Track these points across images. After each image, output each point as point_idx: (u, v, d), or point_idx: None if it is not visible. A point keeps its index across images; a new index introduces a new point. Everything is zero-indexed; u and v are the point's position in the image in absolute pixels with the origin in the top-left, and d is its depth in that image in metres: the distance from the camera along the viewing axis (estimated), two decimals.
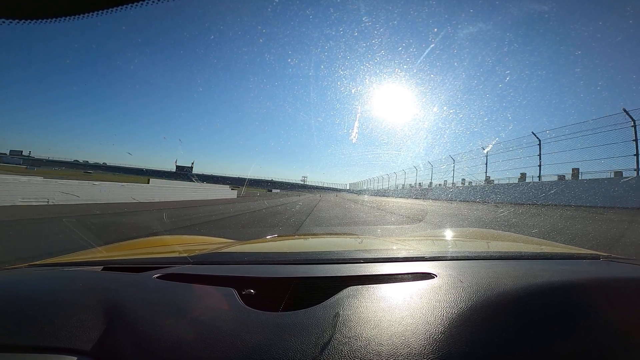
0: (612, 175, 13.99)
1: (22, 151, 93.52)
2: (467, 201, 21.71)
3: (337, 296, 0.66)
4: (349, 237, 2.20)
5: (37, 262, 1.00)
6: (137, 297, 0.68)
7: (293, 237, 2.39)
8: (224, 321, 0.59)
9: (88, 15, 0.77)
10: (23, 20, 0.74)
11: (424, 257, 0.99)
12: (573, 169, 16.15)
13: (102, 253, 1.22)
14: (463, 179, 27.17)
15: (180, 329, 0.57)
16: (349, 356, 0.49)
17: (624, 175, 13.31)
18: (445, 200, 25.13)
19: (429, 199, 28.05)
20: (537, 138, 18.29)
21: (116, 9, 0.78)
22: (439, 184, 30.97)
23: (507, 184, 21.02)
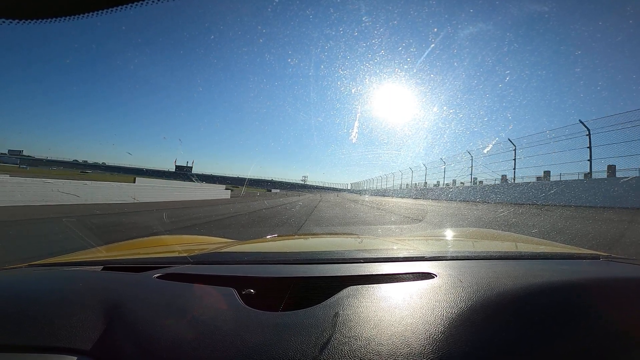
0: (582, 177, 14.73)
1: (21, 151, 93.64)
2: (467, 201, 21.72)
3: (337, 296, 0.66)
4: (349, 237, 2.20)
5: (37, 262, 1.00)
6: (137, 297, 0.68)
7: (293, 237, 2.39)
8: (224, 321, 0.59)
9: (88, 15, 0.77)
10: (23, 20, 0.74)
11: (424, 257, 0.99)
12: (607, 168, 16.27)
13: (102, 253, 1.22)
14: (462, 180, 27.24)
15: (180, 329, 0.57)
16: (349, 356, 0.48)
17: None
18: (446, 200, 25.14)
19: (429, 198, 28.03)
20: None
21: (116, 9, 0.78)
22: (439, 184, 31.02)
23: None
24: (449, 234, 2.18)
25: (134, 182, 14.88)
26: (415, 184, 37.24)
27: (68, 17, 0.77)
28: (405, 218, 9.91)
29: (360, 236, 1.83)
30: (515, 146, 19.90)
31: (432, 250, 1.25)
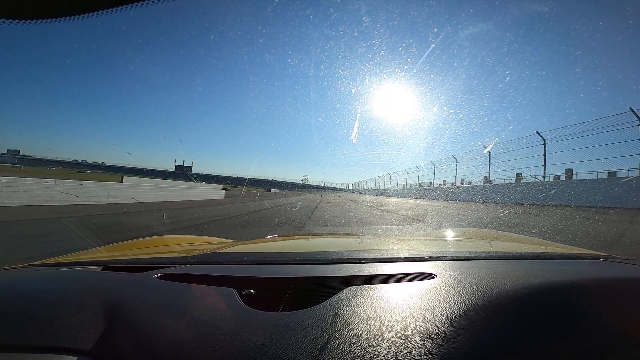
0: (606, 176, 14.64)
1: (19, 150, 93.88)
2: (468, 201, 21.74)
3: (337, 296, 0.66)
4: (349, 237, 2.20)
5: (37, 262, 1.00)
6: (137, 297, 0.68)
7: (293, 237, 2.39)
8: (224, 321, 0.59)
9: (88, 15, 0.77)
10: (23, 20, 0.74)
11: (424, 257, 0.99)
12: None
13: (102, 253, 1.22)
14: (462, 179, 27.26)
15: (181, 329, 0.57)
16: (348, 356, 0.48)
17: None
18: (446, 200, 25.16)
19: (429, 198, 28.05)
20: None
21: (116, 9, 0.78)
22: (440, 184, 31.06)
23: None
24: (449, 234, 2.18)
25: (122, 182, 13.80)
26: (416, 184, 37.29)
27: (68, 17, 0.77)
28: (406, 218, 9.92)
29: (360, 236, 1.83)
30: (544, 139, 18.76)
31: (432, 251, 1.25)
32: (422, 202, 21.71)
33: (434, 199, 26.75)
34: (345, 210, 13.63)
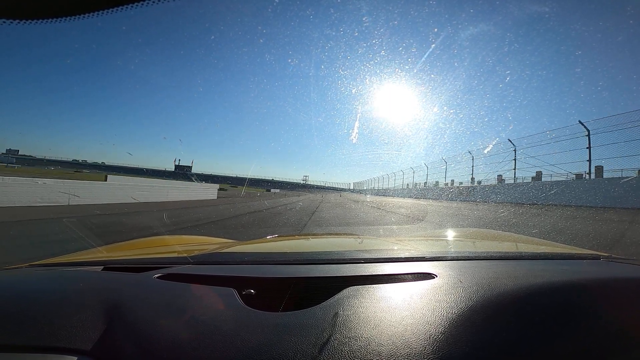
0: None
1: (18, 150, 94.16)
2: (468, 201, 21.73)
3: (337, 296, 0.66)
4: (349, 237, 2.20)
5: (38, 262, 1.00)
6: (137, 297, 0.68)
7: (293, 237, 2.39)
8: (224, 321, 0.59)
9: (88, 15, 0.77)
10: (23, 20, 0.74)
11: (424, 257, 0.99)
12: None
13: (102, 253, 1.22)
14: (473, 178, 27.22)
15: (181, 329, 0.57)
16: (348, 356, 0.48)
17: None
18: (446, 200, 25.15)
19: (429, 198, 28.04)
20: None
21: (116, 9, 0.78)
22: (440, 184, 31.05)
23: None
24: (450, 234, 2.18)
25: (106, 180, 12.53)
26: (417, 183, 37.31)
27: (68, 17, 0.77)
28: (406, 218, 9.91)
29: (360, 236, 1.82)
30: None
31: (432, 251, 1.25)
32: (422, 202, 21.71)
33: (435, 199, 26.74)
34: (346, 209, 13.63)
